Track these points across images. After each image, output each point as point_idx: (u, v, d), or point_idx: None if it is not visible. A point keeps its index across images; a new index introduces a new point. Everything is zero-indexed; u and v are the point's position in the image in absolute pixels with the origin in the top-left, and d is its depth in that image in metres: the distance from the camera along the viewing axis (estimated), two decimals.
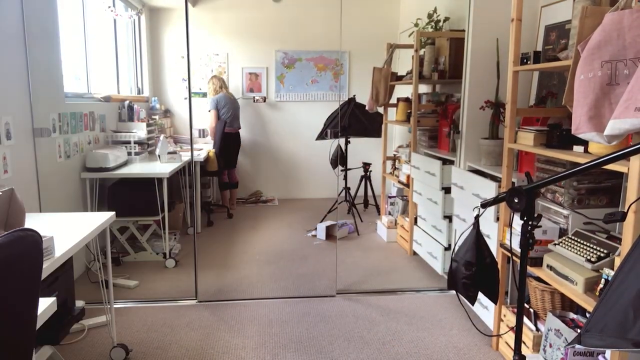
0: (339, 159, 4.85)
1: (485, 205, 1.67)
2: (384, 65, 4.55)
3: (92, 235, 2.01)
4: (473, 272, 1.67)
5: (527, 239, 1.51)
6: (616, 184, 2.17)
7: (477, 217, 1.70)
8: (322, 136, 4.87)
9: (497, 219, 2.57)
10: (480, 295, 1.71)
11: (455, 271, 1.73)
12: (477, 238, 1.69)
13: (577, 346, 0.97)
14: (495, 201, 1.63)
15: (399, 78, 4.50)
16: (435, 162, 3.44)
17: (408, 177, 4.11)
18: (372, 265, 3.81)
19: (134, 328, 2.77)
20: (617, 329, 1.07)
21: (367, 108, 4.78)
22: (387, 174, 4.83)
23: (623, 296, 1.09)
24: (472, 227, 1.71)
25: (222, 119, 5.14)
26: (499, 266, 2.18)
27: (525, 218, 1.51)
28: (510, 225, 1.66)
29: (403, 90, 4.87)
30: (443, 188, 3.42)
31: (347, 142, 4.86)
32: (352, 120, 4.82)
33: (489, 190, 2.63)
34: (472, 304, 1.75)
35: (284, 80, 5.96)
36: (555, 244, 2.09)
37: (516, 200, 1.48)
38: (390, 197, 4.69)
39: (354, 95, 5.09)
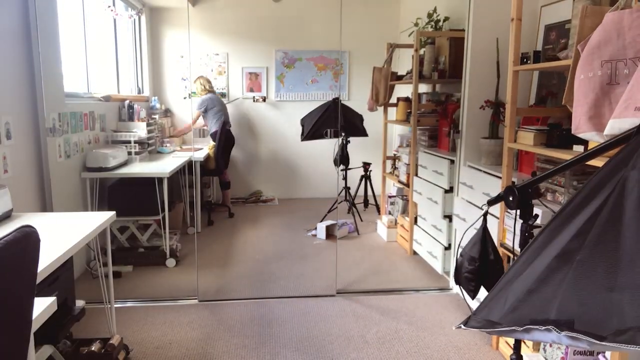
0: (340, 158, 4.84)
1: (491, 202, 1.69)
2: (384, 64, 4.55)
3: (92, 235, 2.01)
4: (476, 267, 1.70)
5: (526, 239, 1.52)
6: None
7: (484, 214, 1.72)
8: (314, 136, 4.85)
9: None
10: (482, 294, 1.72)
11: (460, 265, 1.76)
12: (483, 234, 1.72)
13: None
14: (498, 199, 1.65)
15: (399, 78, 4.50)
16: (443, 161, 3.44)
17: (408, 176, 4.11)
18: (372, 265, 3.81)
19: (134, 327, 2.77)
20: (497, 314, 1.13)
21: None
22: (387, 174, 4.83)
23: (512, 284, 1.13)
24: (481, 223, 1.73)
25: (221, 120, 5.12)
26: None
27: (523, 218, 1.52)
28: (514, 225, 1.68)
29: (403, 90, 4.87)
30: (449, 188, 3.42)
31: (347, 142, 4.86)
32: (345, 120, 4.84)
33: (499, 189, 2.61)
34: (472, 299, 1.77)
35: (283, 80, 5.96)
36: None
37: (511, 199, 1.49)
38: (390, 197, 4.69)
39: (339, 96, 5.14)
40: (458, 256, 1.79)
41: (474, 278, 1.71)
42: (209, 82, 5.30)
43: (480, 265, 1.70)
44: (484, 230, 1.72)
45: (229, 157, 5.40)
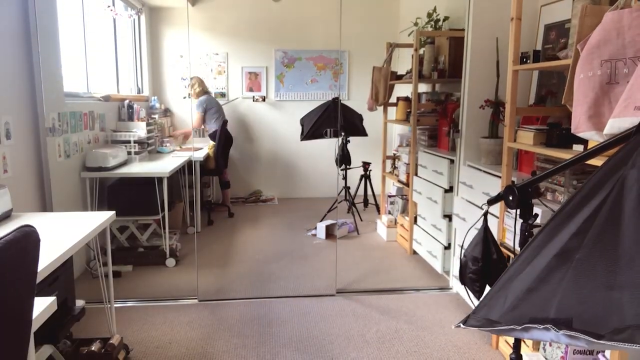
0: (340, 158, 4.85)
1: (491, 202, 1.70)
2: (383, 64, 4.55)
3: (92, 234, 2.01)
4: (479, 267, 1.71)
5: (526, 238, 1.52)
6: None
7: (485, 214, 1.72)
8: (314, 136, 4.85)
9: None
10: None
11: (464, 266, 1.76)
12: (484, 234, 1.72)
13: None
14: (498, 198, 1.65)
15: (398, 77, 4.50)
16: (443, 161, 3.44)
17: (408, 176, 4.11)
18: (372, 265, 3.81)
19: (134, 327, 2.77)
20: (496, 312, 1.12)
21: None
22: (387, 173, 4.83)
23: (512, 283, 1.13)
24: (482, 223, 1.73)
25: (220, 119, 5.13)
26: None
27: (523, 217, 1.52)
28: (514, 224, 1.68)
29: (403, 90, 4.87)
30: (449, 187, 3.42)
31: (346, 142, 4.87)
32: (345, 120, 4.84)
33: (499, 188, 2.61)
34: (478, 299, 1.77)
35: (283, 80, 5.96)
36: None
37: (511, 198, 1.50)
38: (390, 196, 4.69)
39: (339, 96, 5.14)
40: (462, 257, 1.80)
41: (479, 278, 1.72)
42: (202, 82, 5.28)
43: (484, 265, 1.71)
44: (485, 230, 1.73)
45: (227, 157, 5.40)
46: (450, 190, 3.40)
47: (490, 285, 1.72)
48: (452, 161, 3.37)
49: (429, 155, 3.73)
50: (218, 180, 5.42)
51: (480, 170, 2.88)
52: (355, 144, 5.18)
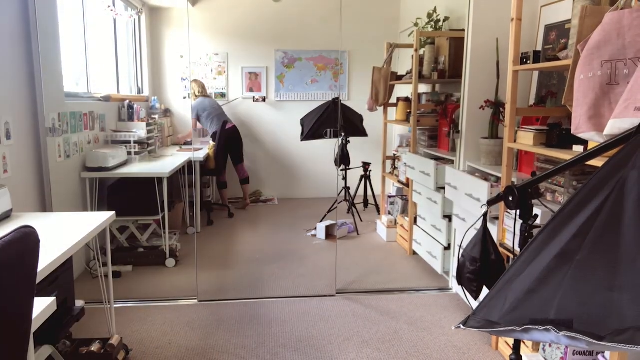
0: (340, 158, 4.85)
1: (491, 202, 1.70)
2: (383, 64, 4.55)
3: (92, 235, 2.01)
4: (477, 267, 1.71)
5: (526, 239, 1.52)
6: None
7: (484, 215, 1.72)
8: (314, 136, 4.85)
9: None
10: (484, 294, 1.73)
11: (462, 266, 1.76)
12: (483, 234, 1.72)
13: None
14: (498, 199, 1.65)
15: (398, 78, 4.50)
16: (429, 162, 3.44)
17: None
18: (371, 265, 3.81)
19: (134, 327, 2.77)
20: (496, 314, 1.12)
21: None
22: (387, 174, 4.83)
23: (512, 284, 1.13)
24: (481, 223, 1.73)
25: (216, 121, 5.15)
26: None
27: (522, 218, 1.52)
28: (514, 225, 1.68)
29: (403, 90, 4.87)
30: (438, 188, 3.42)
31: (346, 142, 4.87)
32: (345, 120, 4.85)
33: (482, 189, 2.62)
34: (475, 299, 1.77)
35: (283, 80, 5.96)
36: None
37: (511, 199, 1.50)
38: (390, 197, 4.69)
39: (339, 96, 5.15)
40: (460, 257, 1.79)
41: (476, 278, 1.72)
42: (201, 86, 5.39)
43: (482, 265, 1.71)
44: (485, 230, 1.72)
45: (236, 153, 5.45)
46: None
47: (487, 286, 1.72)
48: (452, 162, 3.37)
49: (428, 155, 3.72)
50: (216, 180, 5.45)
51: (480, 171, 2.88)
52: (355, 145, 5.18)
